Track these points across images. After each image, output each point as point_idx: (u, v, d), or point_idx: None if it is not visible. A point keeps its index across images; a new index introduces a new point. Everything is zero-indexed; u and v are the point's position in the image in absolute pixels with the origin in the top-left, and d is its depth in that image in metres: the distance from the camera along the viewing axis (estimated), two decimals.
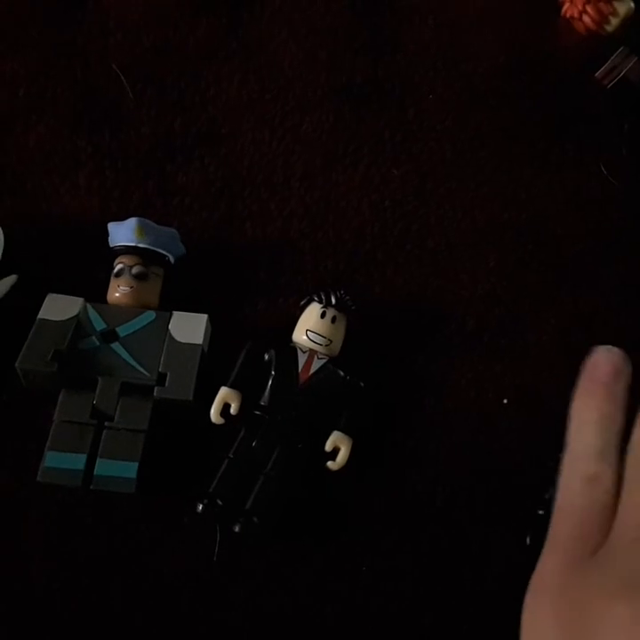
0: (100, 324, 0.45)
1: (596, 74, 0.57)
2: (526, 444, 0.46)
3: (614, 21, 0.58)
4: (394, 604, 0.42)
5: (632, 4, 0.59)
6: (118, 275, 0.46)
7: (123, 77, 0.56)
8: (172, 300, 0.47)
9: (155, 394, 0.43)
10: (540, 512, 0.41)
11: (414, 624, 0.42)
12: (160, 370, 0.44)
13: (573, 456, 0.33)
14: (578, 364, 0.48)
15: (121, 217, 0.48)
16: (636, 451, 0.33)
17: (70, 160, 0.53)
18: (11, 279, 0.46)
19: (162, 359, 0.44)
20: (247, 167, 0.54)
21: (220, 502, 0.42)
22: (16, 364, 0.42)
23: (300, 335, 0.46)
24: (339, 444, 0.43)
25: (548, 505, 0.38)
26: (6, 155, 0.53)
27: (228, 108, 0.56)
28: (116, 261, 0.46)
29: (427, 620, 0.41)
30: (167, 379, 0.43)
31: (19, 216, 0.50)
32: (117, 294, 0.46)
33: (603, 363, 0.34)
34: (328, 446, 0.43)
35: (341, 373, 0.45)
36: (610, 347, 0.34)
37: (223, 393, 0.44)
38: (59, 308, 0.45)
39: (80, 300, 0.45)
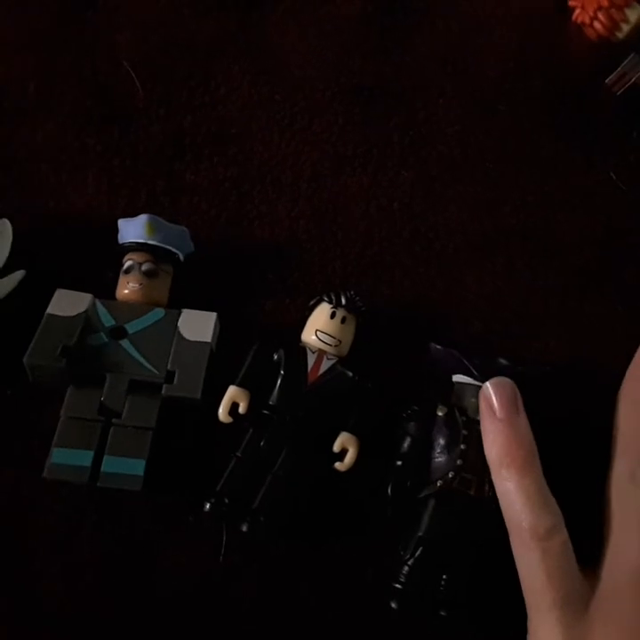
0: (108, 321, 0.44)
1: (607, 80, 0.57)
2: None
3: (625, 28, 0.58)
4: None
5: None
6: (128, 271, 0.46)
7: (133, 74, 0.55)
8: (181, 298, 0.47)
9: (163, 392, 0.43)
10: (399, 463, 0.43)
11: (422, 626, 0.41)
12: (168, 368, 0.43)
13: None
14: (584, 370, 0.48)
15: (129, 215, 0.48)
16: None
17: (79, 157, 0.53)
18: (19, 274, 0.45)
19: (170, 357, 0.44)
20: (256, 167, 0.54)
21: (227, 501, 0.42)
22: (24, 360, 0.42)
23: (309, 335, 0.45)
24: (347, 445, 0.43)
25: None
26: (15, 151, 0.52)
27: (238, 108, 0.56)
28: (126, 258, 0.46)
29: (436, 621, 0.41)
30: (175, 377, 0.43)
31: (27, 212, 0.50)
32: (126, 291, 0.45)
33: None
34: (336, 447, 0.43)
35: (350, 374, 0.44)
36: None
37: (231, 392, 0.43)
38: (67, 303, 0.44)
39: (89, 296, 0.45)
